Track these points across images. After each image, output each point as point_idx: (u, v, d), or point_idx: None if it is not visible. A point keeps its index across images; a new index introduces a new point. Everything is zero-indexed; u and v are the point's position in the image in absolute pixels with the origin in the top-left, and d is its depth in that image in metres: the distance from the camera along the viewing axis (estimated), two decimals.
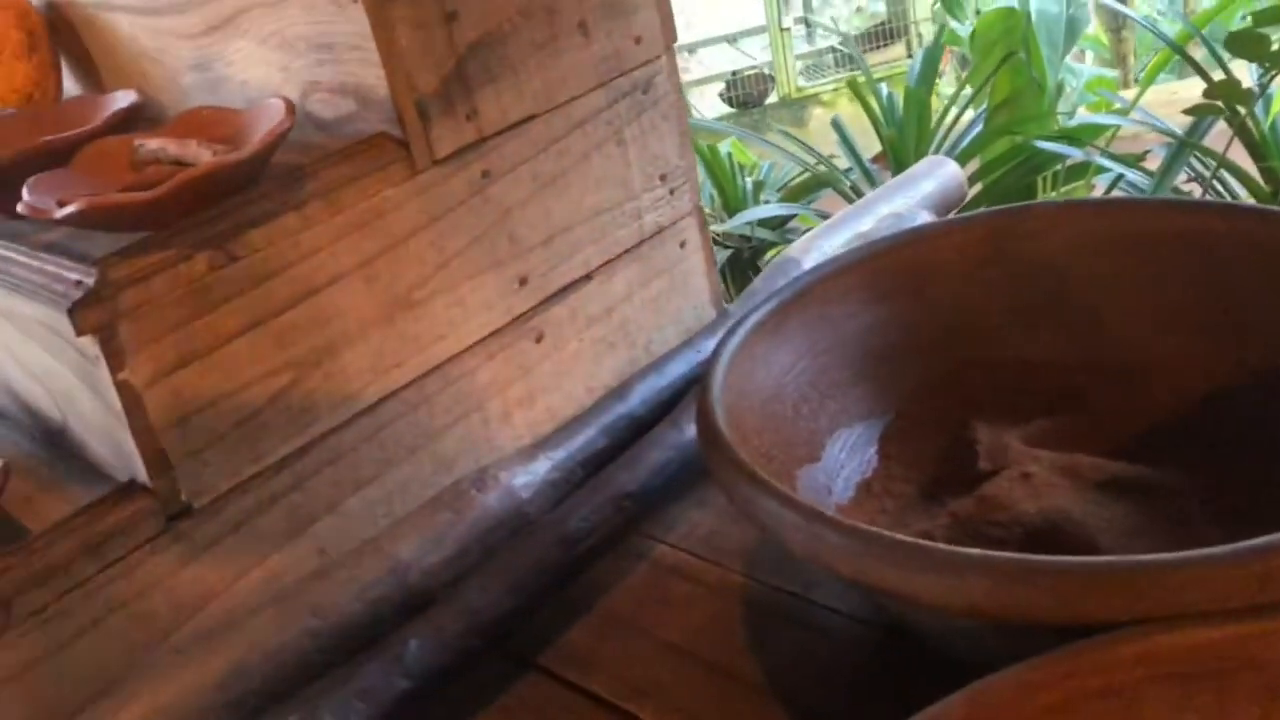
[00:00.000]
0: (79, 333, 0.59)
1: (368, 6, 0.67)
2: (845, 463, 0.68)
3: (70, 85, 0.97)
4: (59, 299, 0.59)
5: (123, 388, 0.61)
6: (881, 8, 4.63)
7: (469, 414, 0.77)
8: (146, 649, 0.64)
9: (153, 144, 0.68)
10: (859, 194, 2.02)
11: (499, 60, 0.73)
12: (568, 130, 0.79)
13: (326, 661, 0.65)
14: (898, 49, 4.18)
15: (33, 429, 0.73)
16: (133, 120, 0.77)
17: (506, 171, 0.76)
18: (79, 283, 0.60)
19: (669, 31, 0.84)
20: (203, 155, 0.65)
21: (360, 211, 0.69)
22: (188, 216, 0.64)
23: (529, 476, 0.76)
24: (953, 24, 4.03)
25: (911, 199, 1.04)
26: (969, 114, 2.09)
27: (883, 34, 4.47)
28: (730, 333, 0.66)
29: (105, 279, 0.59)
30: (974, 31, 2.31)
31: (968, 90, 2.15)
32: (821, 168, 2.04)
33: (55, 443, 0.71)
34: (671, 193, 0.87)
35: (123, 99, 0.77)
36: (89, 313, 0.59)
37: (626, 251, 0.85)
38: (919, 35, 4.07)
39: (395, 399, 0.73)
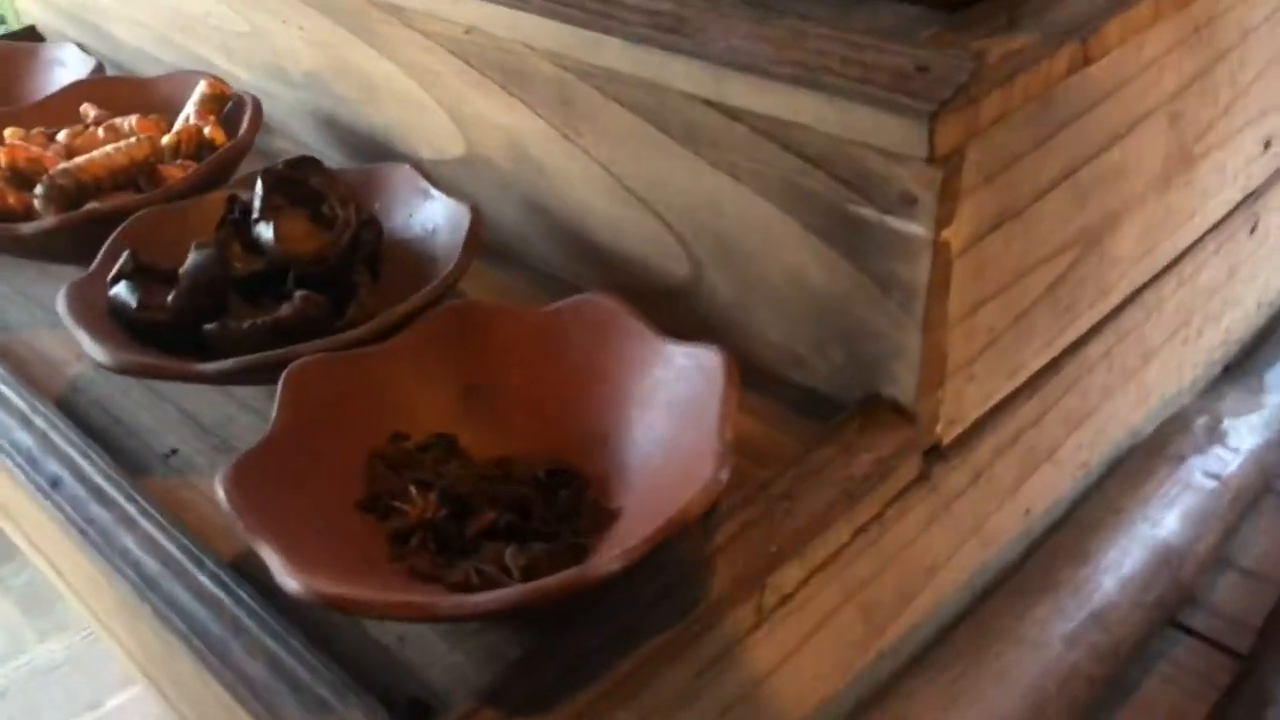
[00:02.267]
0: (933, 155, 0.34)
1: None
2: None
3: None
4: (900, 98, 0.34)
5: (940, 252, 0.37)
6: None
7: (1178, 330, 0.54)
8: (856, 654, 0.42)
9: None
10: None
11: None
12: None
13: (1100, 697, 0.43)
14: None
15: (602, 275, 0.49)
16: None
17: None
18: (922, 69, 0.35)
19: None
20: None
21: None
22: None
23: (1265, 433, 0.53)
24: None
25: None
26: None
27: None
28: None
29: (981, 72, 0.35)
30: None
31: None
32: None
33: (658, 299, 0.47)
34: None
35: None
36: (953, 122, 0.34)
37: None
38: None
39: (1136, 302, 0.49)
